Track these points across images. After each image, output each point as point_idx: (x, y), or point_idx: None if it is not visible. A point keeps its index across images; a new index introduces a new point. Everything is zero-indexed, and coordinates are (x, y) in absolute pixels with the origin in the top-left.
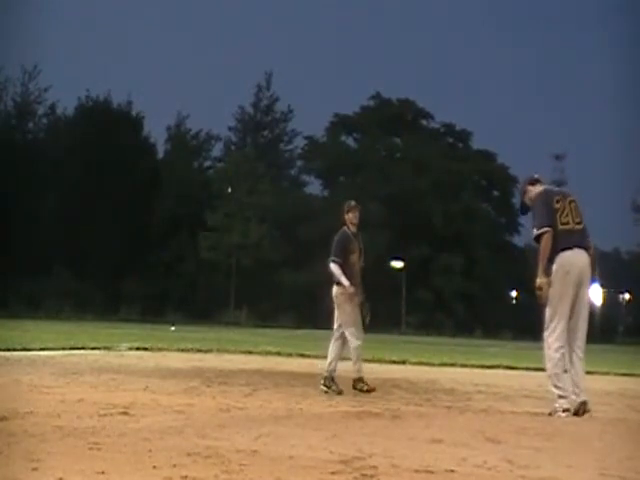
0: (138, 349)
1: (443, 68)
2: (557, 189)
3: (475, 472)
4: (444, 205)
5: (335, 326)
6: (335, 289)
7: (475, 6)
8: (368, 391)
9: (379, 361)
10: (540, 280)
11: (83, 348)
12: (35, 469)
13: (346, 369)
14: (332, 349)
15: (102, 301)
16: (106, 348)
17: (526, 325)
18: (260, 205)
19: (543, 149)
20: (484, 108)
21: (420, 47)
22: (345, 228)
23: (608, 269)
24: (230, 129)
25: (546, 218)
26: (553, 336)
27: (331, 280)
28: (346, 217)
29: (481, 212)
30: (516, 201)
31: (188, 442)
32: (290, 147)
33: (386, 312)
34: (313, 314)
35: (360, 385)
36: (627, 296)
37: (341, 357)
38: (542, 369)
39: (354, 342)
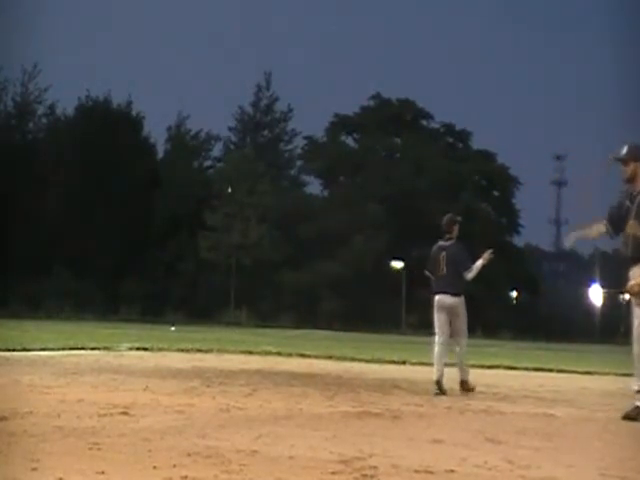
0: (138, 349)
1: (443, 68)
2: None
3: (475, 472)
4: (444, 205)
5: (444, 334)
6: (457, 299)
7: (475, 6)
8: (472, 390)
9: (379, 361)
10: None
11: (83, 348)
12: (35, 469)
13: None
14: (441, 355)
15: (102, 301)
16: (106, 348)
17: (526, 325)
18: (260, 205)
19: (543, 149)
20: (484, 108)
21: (420, 47)
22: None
23: (608, 269)
24: (230, 129)
25: None
26: None
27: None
28: (454, 228)
29: (481, 212)
30: (516, 200)
31: (188, 442)
32: (290, 147)
33: (386, 312)
34: (313, 314)
35: (466, 386)
36: (627, 296)
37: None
38: (541, 369)
39: (466, 348)
